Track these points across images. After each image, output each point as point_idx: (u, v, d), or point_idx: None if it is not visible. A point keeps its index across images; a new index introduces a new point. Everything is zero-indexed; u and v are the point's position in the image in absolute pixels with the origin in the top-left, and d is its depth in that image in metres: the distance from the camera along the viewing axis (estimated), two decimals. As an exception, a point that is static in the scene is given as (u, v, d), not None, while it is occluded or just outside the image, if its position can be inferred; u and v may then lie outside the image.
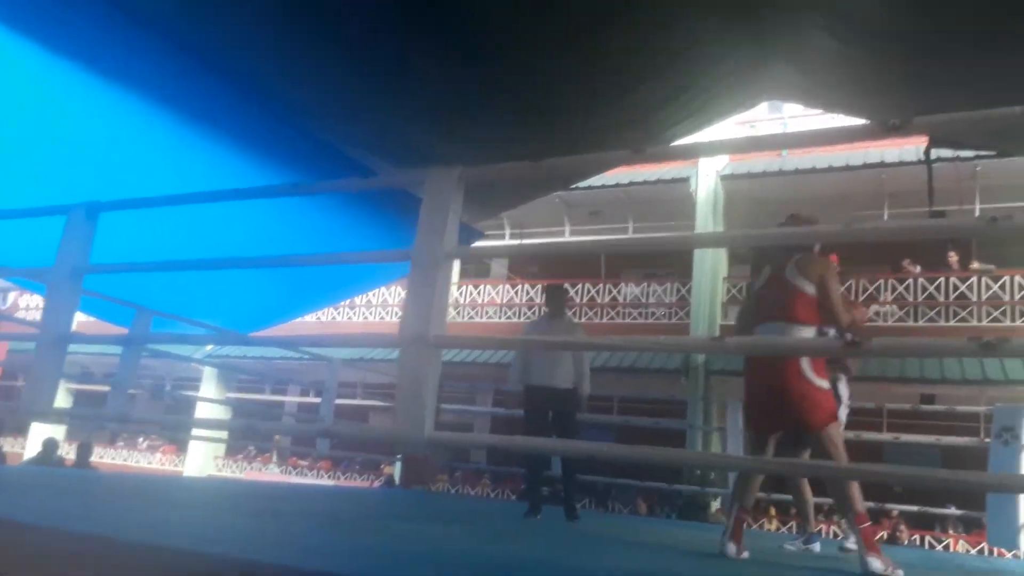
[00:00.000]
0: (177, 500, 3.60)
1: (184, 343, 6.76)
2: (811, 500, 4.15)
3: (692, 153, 3.94)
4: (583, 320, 14.15)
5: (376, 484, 13.37)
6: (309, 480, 14.93)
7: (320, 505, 4.39)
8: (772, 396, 3.19)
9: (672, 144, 2.57)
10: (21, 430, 17.56)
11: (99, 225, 4.08)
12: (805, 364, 3.07)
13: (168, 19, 3.40)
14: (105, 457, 17.11)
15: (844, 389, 3.78)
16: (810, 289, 3.18)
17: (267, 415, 15.09)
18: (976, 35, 3.53)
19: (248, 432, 13.00)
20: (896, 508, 9.06)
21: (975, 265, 11.91)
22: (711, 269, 13.05)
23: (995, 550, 7.14)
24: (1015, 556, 6.57)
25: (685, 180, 13.40)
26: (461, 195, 2.71)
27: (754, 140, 5.61)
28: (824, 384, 3.12)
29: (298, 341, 4.24)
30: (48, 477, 4.67)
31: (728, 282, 13.43)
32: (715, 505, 10.53)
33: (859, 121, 5.08)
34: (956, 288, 11.77)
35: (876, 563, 2.82)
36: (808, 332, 3.13)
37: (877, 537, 2.94)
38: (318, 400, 8.33)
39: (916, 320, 11.92)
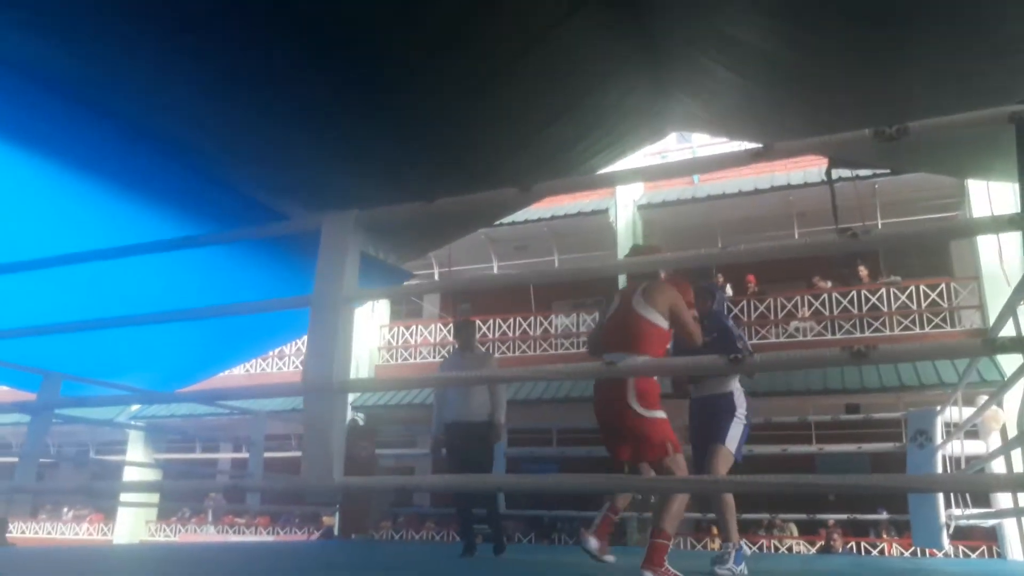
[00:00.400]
0: (100, 572, 3.44)
1: (94, 405, 6.50)
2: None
3: (577, 187, 4.05)
4: (517, 353, 14.24)
5: (314, 536, 13.02)
6: (247, 537, 14.44)
7: (255, 563, 4.25)
8: (608, 429, 3.27)
9: (557, 180, 2.64)
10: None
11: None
12: (632, 396, 3.05)
13: (49, 64, 3.30)
14: (27, 531, 16.22)
15: (741, 400, 3.86)
16: (658, 319, 3.19)
17: (200, 475, 14.57)
18: (845, 62, 3.76)
19: (153, 490, 12.46)
20: (831, 517, 9.33)
21: (882, 278, 12.47)
22: (636, 296, 13.33)
23: (924, 550, 7.39)
24: (945, 555, 6.80)
25: (604, 211, 13.72)
26: (359, 237, 2.72)
27: (634, 171, 5.76)
28: (657, 414, 3.11)
29: (199, 397, 4.14)
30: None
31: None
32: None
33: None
34: (868, 300, 12.29)
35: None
36: None
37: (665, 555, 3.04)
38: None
39: (833, 333, 12.37)
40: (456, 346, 5.53)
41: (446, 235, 6.96)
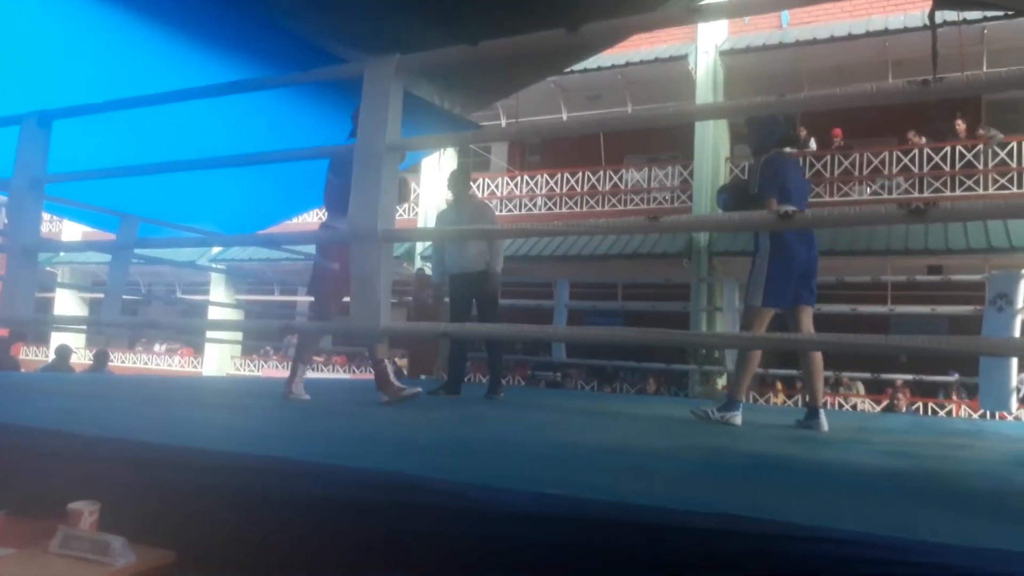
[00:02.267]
0: (174, 398, 3.72)
1: (169, 247, 6.79)
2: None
3: (635, 28, 3.73)
4: (585, 208, 14.07)
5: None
6: (324, 375, 15.31)
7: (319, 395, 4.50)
8: None
9: (611, 21, 2.42)
10: (43, 339, 18.04)
11: (78, 135, 4.05)
12: None
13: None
14: (126, 362, 17.62)
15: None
16: None
17: (278, 315, 15.33)
18: None
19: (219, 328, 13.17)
20: (898, 377, 9.24)
21: (981, 132, 11.59)
22: (712, 150, 12.81)
23: (989, 413, 7.29)
24: (1015, 418, 6.71)
25: (683, 58, 12.95)
26: (401, 84, 2.62)
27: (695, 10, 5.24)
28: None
29: (253, 240, 4.23)
30: (61, 382, 4.82)
31: (731, 162, 13.21)
32: (721, 382, 10.76)
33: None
34: (963, 157, 11.51)
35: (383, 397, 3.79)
36: None
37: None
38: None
39: (923, 191, 11.74)
40: (449, 198, 5.53)
41: (511, 83, 6.70)
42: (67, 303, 18.55)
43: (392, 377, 3.95)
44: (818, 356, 3.79)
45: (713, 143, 12.83)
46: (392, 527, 1.52)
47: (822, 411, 3.73)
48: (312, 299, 4.27)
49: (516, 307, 7.82)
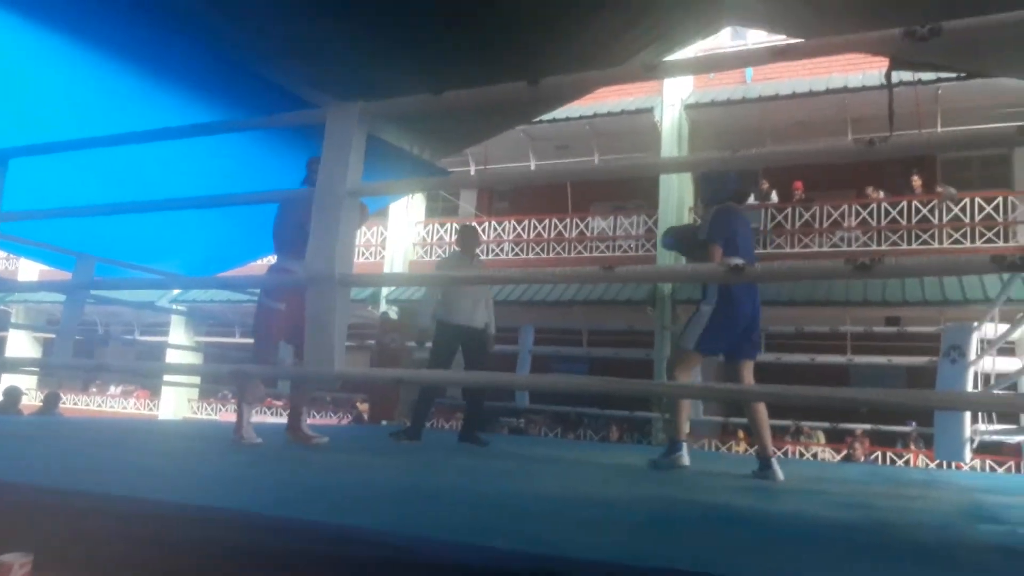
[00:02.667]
0: (122, 443, 3.61)
1: (127, 288, 6.67)
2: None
3: (592, 83, 3.82)
4: (551, 255, 14.17)
5: (345, 421, 13.51)
6: (281, 419, 15.02)
7: (268, 446, 4.41)
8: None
9: (570, 75, 2.48)
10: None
11: (39, 171, 3.98)
12: None
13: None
14: (79, 404, 17.13)
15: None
16: None
17: (238, 358, 15.08)
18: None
19: (154, 373, 12.93)
20: (857, 427, 9.34)
21: (939, 189, 11.96)
22: (677, 200, 13.04)
23: (945, 463, 7.39)
24: (970, 467, 6.80)
25: (649, 111, 13.24)
26: (364, 130, 2.64)
27: (710, 58, 5.42)
28: None
29: (212, 283, 4.19)
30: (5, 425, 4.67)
31: (694, 212, 13.44)
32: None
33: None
34: (919, 211, 11.86)
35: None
36: None
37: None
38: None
39: (880, 244, 12.03)
40: (457, 250, 5.73)
41: (480, 131, 6.78)
42: (20, 343, 18.06)
43: (303, 424, 4.17)
44: (762, 407, 3.81)
45: (678, 193, 13.06)
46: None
47: (774, 460, 3.75)
48: (253, 340, 4.23)
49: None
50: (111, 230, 5.50)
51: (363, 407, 14.01)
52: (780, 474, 3.67)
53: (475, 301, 5.32)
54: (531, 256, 14.24)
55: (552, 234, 14.30)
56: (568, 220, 14.23)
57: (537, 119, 11.31)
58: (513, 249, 14.49)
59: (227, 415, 15.76)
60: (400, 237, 15.12)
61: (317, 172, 2.64)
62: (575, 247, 14.14)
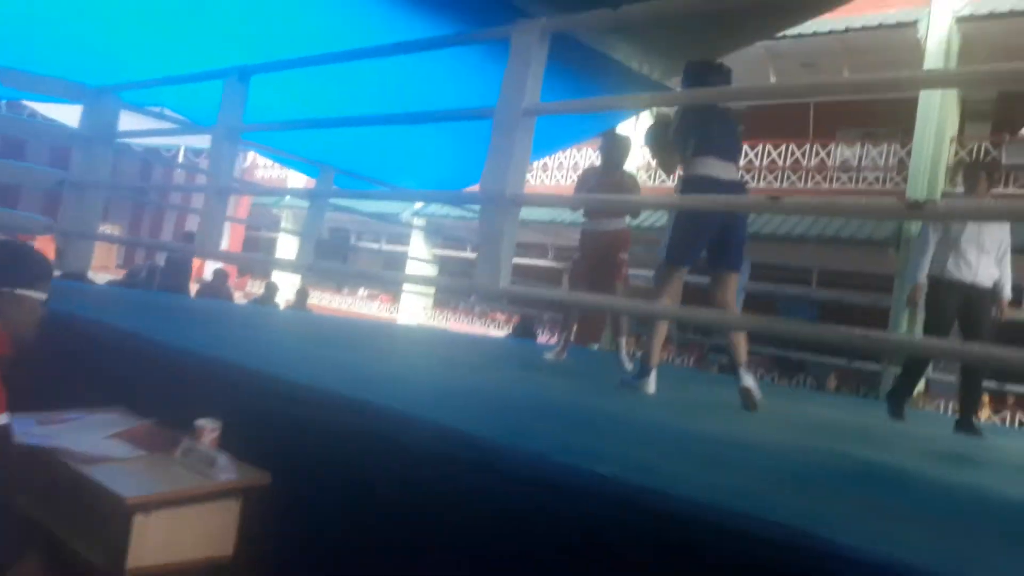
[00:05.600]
0: (333, 340, 4.04)
1: (361, 198, 7.25)
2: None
3: None
4: (784, 184, 13.28)
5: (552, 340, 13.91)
6: (500, 331, 15.77)
7: (466, 352, 4.72)
8: None
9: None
10: (266, 275, 20.12)
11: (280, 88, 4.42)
12: None
13: None
14: (333, 303, 19.23)
15: None
16: None
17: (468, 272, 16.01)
18: None
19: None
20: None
21: None
22: (937, 128, 11.52)
23: None
24: None
25: (912, 24, 11.66)
26: (546, 49, 2.62)
27: None
28: None
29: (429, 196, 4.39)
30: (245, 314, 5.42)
31: (957, 144, 11.83)
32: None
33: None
34: None
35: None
36: None
37: None
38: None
39: None
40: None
41: (715, 47, 6.41)
42: (289, 245, 20.48)
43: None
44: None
45: (938, 120, 11.53)
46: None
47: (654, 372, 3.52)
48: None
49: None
50: (348, 145, 5.99)
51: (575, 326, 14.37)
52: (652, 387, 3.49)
53: (980, 250, 4.13)
54: (762, 185, 13.42)
55: (788, 162, 13.34)
56: (808, 147, 13.17)
57: (781, 34, 10.46)
58: (743, 177, 13.76)
59: (455, 323, 16.91)
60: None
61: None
62: (813, 177, 13.10)
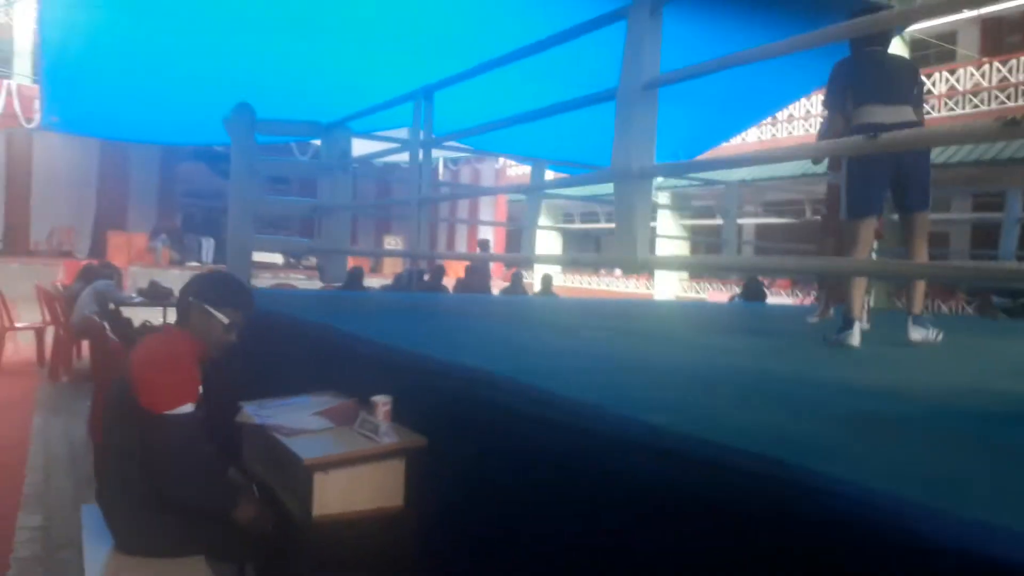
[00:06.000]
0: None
1: (569, 185, 7.49)
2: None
3: None
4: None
5: (807, 302, 13.18)
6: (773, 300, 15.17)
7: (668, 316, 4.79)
8: None
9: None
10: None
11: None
12: None
13: None
14: (592, 284, 19.83)
15: None
16: None
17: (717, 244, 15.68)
18: None
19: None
20: None
21: None
22: None
23: None
24: None
25: None
26: (659, 21, 2.68)
27: None
28: None
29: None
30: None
31: None
32: None
33: None
34: None
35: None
36: None
37: None
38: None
39: None
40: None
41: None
42: (544, 237, 21.46)
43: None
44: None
45: None
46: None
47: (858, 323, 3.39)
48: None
49: (950, 220, 6.92)
50: (555, 136, 6.31)
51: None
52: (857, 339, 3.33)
53: None
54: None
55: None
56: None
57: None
58: (1004, 97, 11.84)
59: (712, 294, 16.61)
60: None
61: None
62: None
